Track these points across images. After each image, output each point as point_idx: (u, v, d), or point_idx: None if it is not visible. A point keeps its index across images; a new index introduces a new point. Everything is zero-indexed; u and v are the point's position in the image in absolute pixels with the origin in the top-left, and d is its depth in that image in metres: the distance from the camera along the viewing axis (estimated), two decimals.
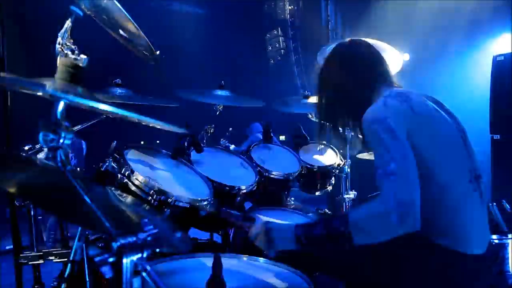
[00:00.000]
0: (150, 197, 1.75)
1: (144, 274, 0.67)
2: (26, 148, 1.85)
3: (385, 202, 1.26)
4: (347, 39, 1.77)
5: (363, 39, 1.76)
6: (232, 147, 3.26)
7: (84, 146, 4.68)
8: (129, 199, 1.62)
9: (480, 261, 1.42)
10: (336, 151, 3.17)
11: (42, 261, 1.84)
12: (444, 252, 1.39)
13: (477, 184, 1.46)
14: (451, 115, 1.57)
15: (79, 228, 1.37)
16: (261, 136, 3.07)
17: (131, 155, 1.98)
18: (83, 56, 0.97)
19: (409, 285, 1.47)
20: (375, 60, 1.66)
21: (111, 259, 0.65)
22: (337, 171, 2.98)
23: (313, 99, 3.11)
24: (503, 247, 2.10)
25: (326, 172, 2.95)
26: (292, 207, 2.77)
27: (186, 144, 2.21)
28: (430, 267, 1.41)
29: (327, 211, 3.01)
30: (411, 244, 1.47)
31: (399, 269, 1.47)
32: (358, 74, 1.63)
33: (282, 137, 4.78)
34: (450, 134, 1.49)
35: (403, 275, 1.46)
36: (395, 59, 2.52)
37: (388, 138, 1.35)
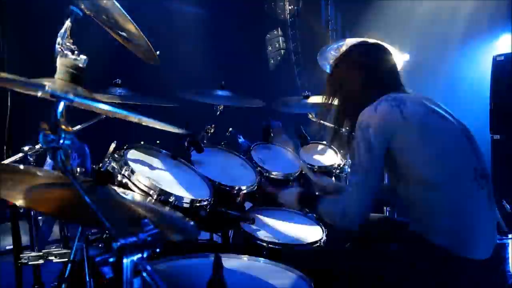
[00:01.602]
0: (150, 197, 1.75)
1: (144, 274, 0.67)
2: (26, 148, 1.85)
3: (339, 206, 1.57)
4: (359, 40, 1.79)
5: (376, 41, 1.77)
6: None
7: (88, 151, 4.66)
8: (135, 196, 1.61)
9: (484, 267, 1.41)
10: (336, 151, 3.16)
11: (42, 261, 1.84)
12: (447, 255, 1.39)
13: (485, 182, 1.45)
14: (454, 117, 1.58)
15: (79, 228, 1.37)
16: (286, 137, 3.07)
17: (131, 155, 1.98)
18: (82, 57, 0.97)
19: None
20: (382, 63, 1.68)
21: (111, 259, 0.64)
22: (337, 171, 2.97)
23: (314, 99, 3.12)
24: (503, 247, 2.10)
25: (326, 172, 2.95)
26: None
27: (186, 144, 2.21)
28: (431, 269, 1.41)
29: None
30: (414, 246, 1.47)
31: (401, 271, 1.47)
32: (364, 76, 1.65)
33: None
34: (450, 135, 1.49)
35: (404, 277, 1.46)
36: (395, 59, 2.52)
37: (363, 148, 1.50)
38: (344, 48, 1.80)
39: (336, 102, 1.74)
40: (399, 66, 2.51)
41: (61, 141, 0.86)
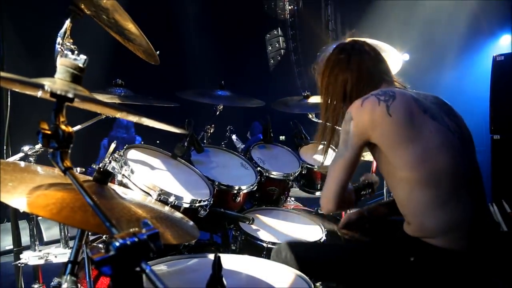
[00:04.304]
0: (150, 197, 1.75)
1: (144, 274, 0.67)
2: (26, 148, 1.85)
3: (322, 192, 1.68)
4: (347, 40, 1.77)
5: (361, 38, 1.76)
6: (233, 136, 3.23)
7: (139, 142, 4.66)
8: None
9: (475, 259, 1.41)
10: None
11: (42, 261, 1.84)
12: (438, 251, 1.39)
13: (474, 187, 1.45)
14: (452, 116, 1.55)
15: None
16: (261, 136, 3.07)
17: (131, 155, 1.98)
18: (82, 56, 0.97)
19: (405, 285, 1.47)
20: (374, 59, 1.67)
21: (111, 259, 0.64)
22: None
23: (314, 99, 3.11)
24: None
25: (326, 172, 2.94)
26: (292, 207, 2.77)
27: (186, 144, 2.21)
28: (426, 267, 1.42)
29: None
30: (406, 246, 1.47)
31: (395, 270, 1.47)
32: (357, 73, 1.63)
33: (282, 137, 4.77)
34: (438, 137, 1.45)
35: (398, 275, 1.47)
36: (395, 59, 2.52)
37: (342, 138, 1.57)
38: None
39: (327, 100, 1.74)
40: (398, 66, 2.52)
41: (61, 141, 0.86)
